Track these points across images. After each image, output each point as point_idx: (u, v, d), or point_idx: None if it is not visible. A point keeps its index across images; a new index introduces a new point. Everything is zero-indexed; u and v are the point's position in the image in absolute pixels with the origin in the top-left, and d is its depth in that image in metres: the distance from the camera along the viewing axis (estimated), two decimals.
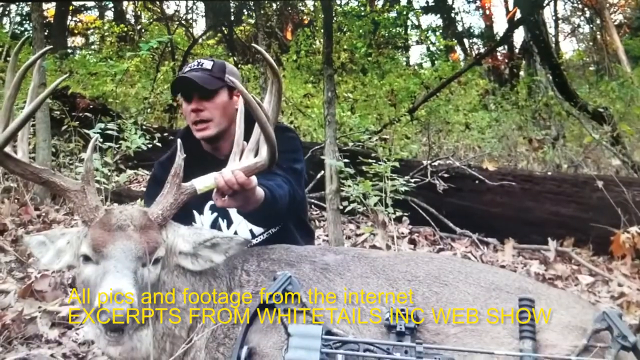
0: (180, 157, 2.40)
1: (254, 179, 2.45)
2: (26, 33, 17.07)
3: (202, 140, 3.21)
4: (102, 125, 6.34)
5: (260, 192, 2.52)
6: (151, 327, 2.31)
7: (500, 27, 26.47)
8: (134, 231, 2.27)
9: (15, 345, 3.56)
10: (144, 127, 7.83)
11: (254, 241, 3.20)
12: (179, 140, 2.48)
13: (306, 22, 19.88)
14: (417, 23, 19.87)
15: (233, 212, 3.18)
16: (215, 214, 3.21)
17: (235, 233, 3.17)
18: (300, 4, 21.15)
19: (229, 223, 3.22)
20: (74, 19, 22.07)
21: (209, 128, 3.13)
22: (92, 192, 2.37)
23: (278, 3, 19.30)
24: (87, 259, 2.28)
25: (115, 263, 2.17)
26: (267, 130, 2.37)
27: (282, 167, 2.95)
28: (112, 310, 2.00)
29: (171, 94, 2.95)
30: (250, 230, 3.21)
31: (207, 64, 3.22)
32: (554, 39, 19.58)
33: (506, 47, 20.57)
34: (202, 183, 2.44)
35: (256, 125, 2.48)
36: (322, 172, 6.05)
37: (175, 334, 2.41)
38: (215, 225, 3.22)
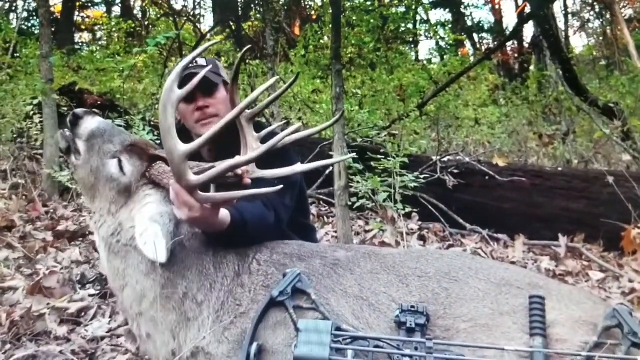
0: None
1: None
2: (33, 29, 17.13)
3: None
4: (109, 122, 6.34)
5: (225, 215, 2.38)
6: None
7: (509, 21, 26.45)
8: (142, 143, 2.71)
9: (24, 342, 3.57)
10: (152, 123, 7.84)
11: None
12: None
13: (314, 17, 19.86)
14: (426, 18, 19.78)
15: None
16: None
17: None
18: None
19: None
20: (81, 14, 22.15)
21: (215, 124, 3.06)
22: None
23: None
24: None
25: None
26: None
27: (268, 182, 2.82)
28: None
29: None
30: None
31: (202, 62, 3.23)
32: (564, 33, 19.48)
33: (516, 41, 20.52)
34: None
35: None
36: (331, 168, 6.03)
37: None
38: None
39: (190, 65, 3.19)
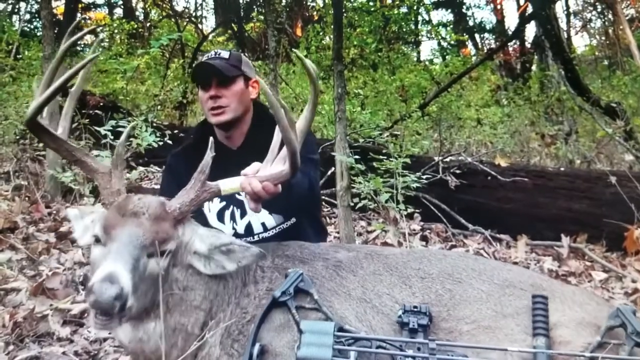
0: (209, 155, 2.41)
1: (279, 187, 2.45)
2: (35, 31, 17.12)
3: (217, 126, 3.27)
4: (114, 123, 6.35)
5: None
6: (161, 321, 2.31)
7: (511, 21, 26.39)
8: (147, 219, 2.27)
9: (27, 343, 3.58)
10: (154, 124, 7.84)
11: (266, 234, 3.22)
12: (211, 139, 2.49)
13: (316, 18, 19.86)
14: (427, 18, 19.75)
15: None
16: (224, 202, 3.24)
17: (249, 224, 3.20)
18: (310, 0, 21.16)
19: (243, 213, 3.23)
20: (84, 16, 22.13)
21: (225, 113, 3.19)
22: (117, 177, 2.42)
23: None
24: (97, 240, 2.29)
25: (118, 246, 2.17)
26: (287, 135, 2.33)
27: (300, 156, 2.97)
28: (99, 291, 1.99)
29: (192, 81, 3.22)
30: (263, 224, 3.22)
31: (225, 54, 3.32)
32: (565, 33, 19.43)
33: (518, 42, 20.46)
34: (228, 185, 2.45)
35: (277, 129, 2.47)
36: (333, 168, 6.03)
37: (187, 330, 2.41)
38: (222, 213, 3.25)
39: (211, 55, 3.34)
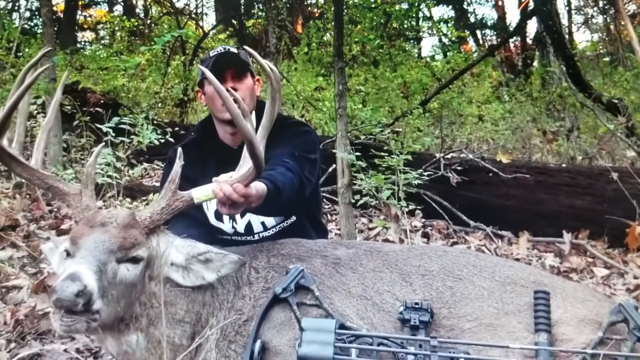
0: (178, 164, 2.40)
1: (253, 187, 2.37)
2: (36, 28, 17.12)
3: (226, 122, 3.18)
4: (117, 120, 6.35)
5: (262, 187, 2.45)
6: (143, 333, 2.33)
7: (512, 17, 26.27)
8: (114, 227, 2.26)
9: (28, 341, 3.58)
10: (155, 121, 7.84)
11: (266, 234, 3.20)
12: (179, 149, 2.47)
13: (317, 14, 19.83)
14: (428, 14, 19.70)
15: None
16: None
17: (249, 223, 3.18)
18: None
19: (243, 212, 3.16)
20: (84, 13, 22.11)
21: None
22: (88, 195, 2.42)
23: None
24: (68, 253, 2.27)
25: (83, 252, 2.16)
26: (247, 137, 2.26)
27: (293, 155, 2.93)
28: (61, 289, 1.98)
29: (200, 76, 3.07)
30: (262, 223, 3.20)
31: (234, 49, 3.27)
32: (567, 29, 19.38)
33: (519, 38, 20.42)
34: (201, 192, 2.41)
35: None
36: (334, 165, 6.02)
37: (175, 342, 2.39)
38: None
39: (220, 50, 3.26)
